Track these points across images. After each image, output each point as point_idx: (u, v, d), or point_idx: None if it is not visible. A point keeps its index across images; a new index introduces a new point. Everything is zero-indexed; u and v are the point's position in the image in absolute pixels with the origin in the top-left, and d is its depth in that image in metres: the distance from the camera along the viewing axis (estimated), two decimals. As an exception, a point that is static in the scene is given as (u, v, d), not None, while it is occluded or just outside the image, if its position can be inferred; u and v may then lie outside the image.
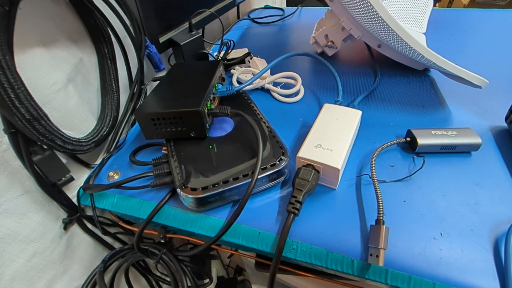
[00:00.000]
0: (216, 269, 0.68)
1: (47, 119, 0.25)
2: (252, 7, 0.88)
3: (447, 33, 0.59)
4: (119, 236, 0.41)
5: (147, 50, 0.40)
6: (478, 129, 0.34)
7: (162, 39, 0.44)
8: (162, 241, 0.32)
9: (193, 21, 0.49)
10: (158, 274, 0.46)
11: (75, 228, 0.35)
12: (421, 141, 0.31)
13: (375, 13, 0.33)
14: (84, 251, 0.37)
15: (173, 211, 0.29)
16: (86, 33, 0.35)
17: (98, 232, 0.37)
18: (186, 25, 0.47)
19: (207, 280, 0.52)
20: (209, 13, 0.50)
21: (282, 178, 0.30)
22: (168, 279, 0.35)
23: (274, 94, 0.45)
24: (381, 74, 0.47)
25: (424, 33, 0.58)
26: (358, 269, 0.24)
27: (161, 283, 0.48)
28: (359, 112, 0.33)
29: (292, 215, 0.25)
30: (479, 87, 0.34)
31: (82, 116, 0.35)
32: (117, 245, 0.41)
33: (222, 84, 0.40)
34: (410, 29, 0.57)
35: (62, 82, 0.32)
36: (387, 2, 0.59)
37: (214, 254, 0.51)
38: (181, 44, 0.44)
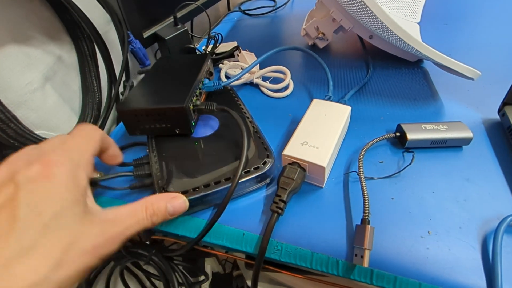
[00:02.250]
0: (211, 265, 0.68)
1: (16, 121, 0.24)
2: (243, -2, 0.86)
3: (441, 21, 0.57)
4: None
5: (130, 46, 0.38)
6: (470, 122, 0.33)
7: (146, 34, 0.43)
8: (147, 242, 0.31)
9: (179, 14, 0.47)
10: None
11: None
12: (410, 136, 0.30)
13: (362, 3, 0.32)
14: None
15: (157, 212, 0.28)
16: (64, 29, 0.34)
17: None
18: (171, 18, 0.45)
19: (202, 277, 0.51)
20: (196, 6, 0.48)
21: (267, 180, 0.29)
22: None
23: (263, 89, 0.43)
24: (374, 67, 0.46)
25: (418, 23, 0.56)
26: (343, 270, 0.23)
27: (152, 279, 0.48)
28: (348, 108, 0.32)
29: (276, 214, 0.25)
30: (471, 79, 0.33)
31: (63, 116, 0.34)
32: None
33: (209, 79, 0.39)
34: (404, 18, 0.56)
35: (39, 82, 0.31)
36: (380, -9, 0.57)
37: (208, 251, 0.51)
38: (166, 38, 0.42)
